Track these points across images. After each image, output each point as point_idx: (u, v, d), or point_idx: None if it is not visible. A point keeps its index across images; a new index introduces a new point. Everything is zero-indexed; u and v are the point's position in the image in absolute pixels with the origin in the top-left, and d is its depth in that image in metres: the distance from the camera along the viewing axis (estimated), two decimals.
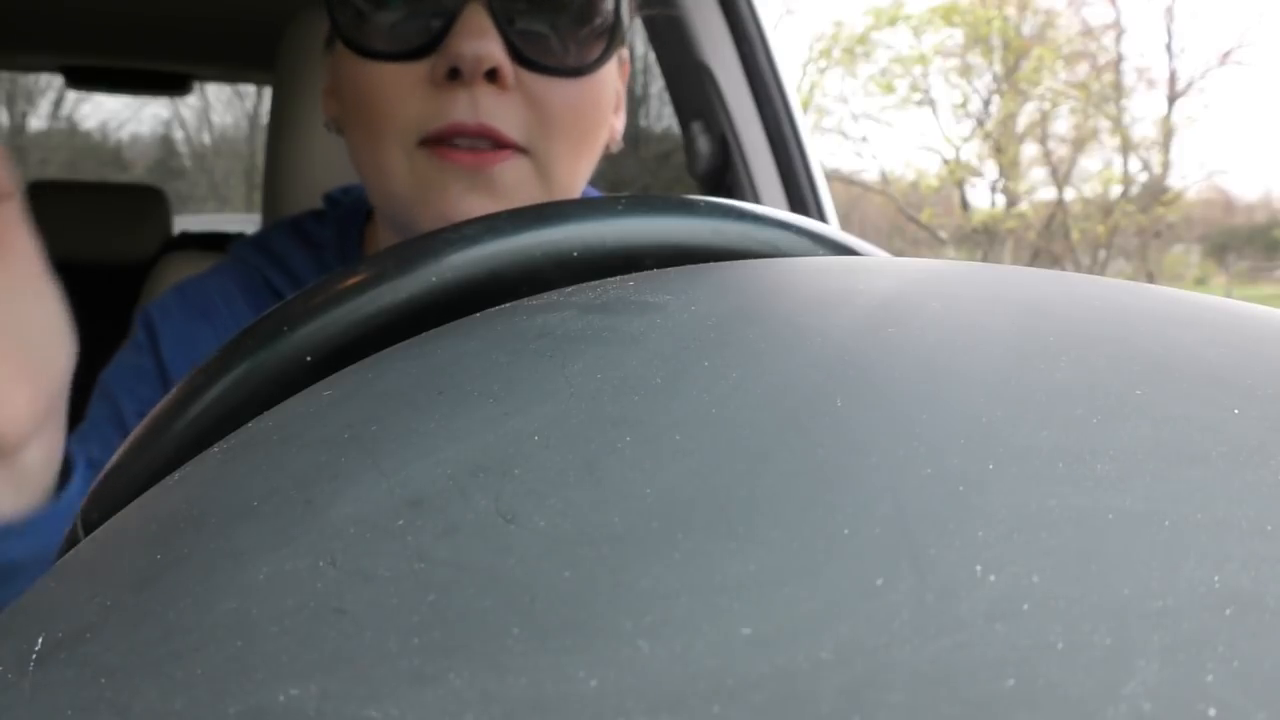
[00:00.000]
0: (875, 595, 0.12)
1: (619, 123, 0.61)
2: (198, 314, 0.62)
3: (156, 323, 0.62)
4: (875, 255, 0.31)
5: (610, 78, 0.56)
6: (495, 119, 0.51)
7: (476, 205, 0.52)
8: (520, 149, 0.52)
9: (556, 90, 0.53)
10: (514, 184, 0.53)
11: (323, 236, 0.64)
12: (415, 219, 0.53)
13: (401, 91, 0.51)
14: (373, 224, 0.65)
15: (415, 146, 0.52)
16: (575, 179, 0.56)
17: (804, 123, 1.11)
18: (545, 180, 0.54)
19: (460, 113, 0.50)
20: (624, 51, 0.60)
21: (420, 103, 0.51)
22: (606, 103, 0.56)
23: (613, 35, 0.54)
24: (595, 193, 0.68)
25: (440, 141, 0.51)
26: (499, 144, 0.51)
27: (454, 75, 0.50)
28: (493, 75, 0.50)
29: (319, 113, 0.86)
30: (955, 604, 0.12)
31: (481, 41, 0.50)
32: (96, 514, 0.25)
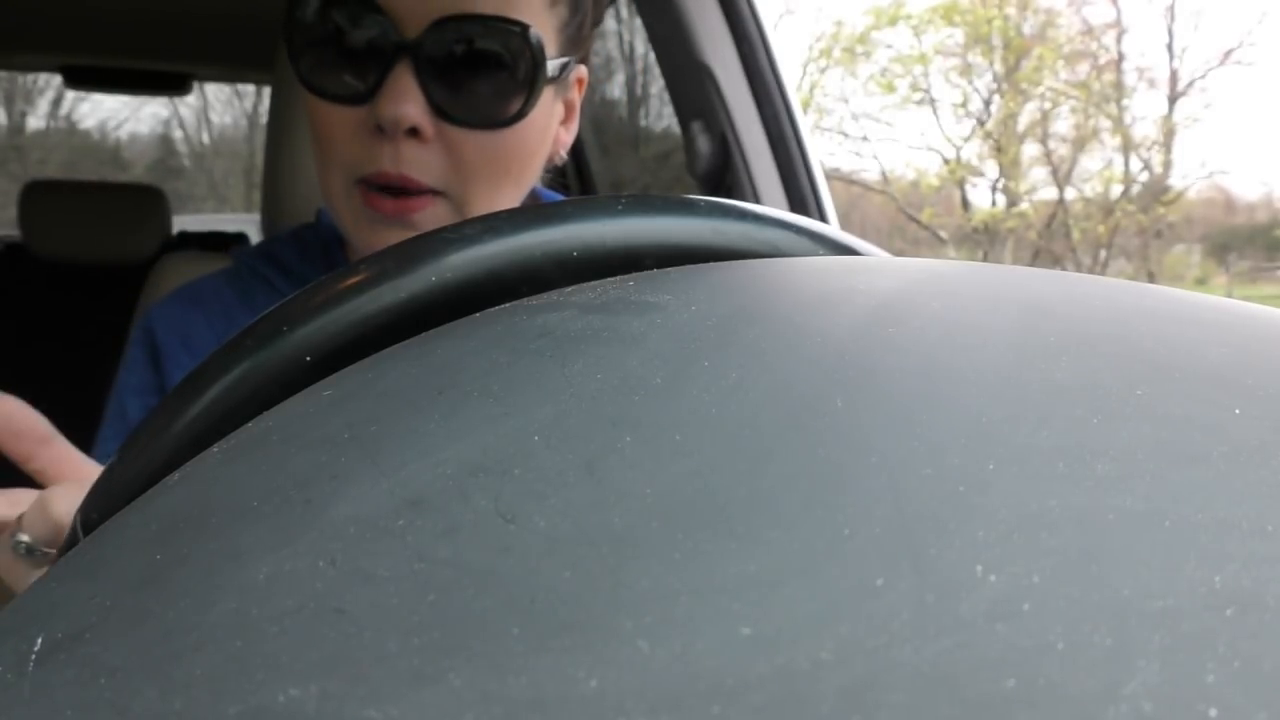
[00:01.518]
0: (875, 595, 0.12)
1: (567, 134, 0.67)
2: (190, 304, 0.69)
3: (153, 316, 0.68)
4: (875, 255, 0.31)
5: (536, 122, 0.61)
6: (414, 169, 0.57)
7: (396, 240, 0.57)
8: (437, 192, 0.59)
9: (474, 141, 0.58)
10: (432, 223, 0.59)
11: (310, 237, 0.71)
12: (351, 241, 0.62)
13: (343, 132, 0.58)
14: None
15: (353, 184, 0.59)
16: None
17: (804, 123, 1.11)
18: (461, 218, 0.60)
19: (384, 163, 0.57)
20: (581, 69, 0.66)
21: (357, 146, 0.58)
22: (531, 145, 0.62)
23: (531, 90, 0.59)
24: (552, 195, 0.73)
25: (369, 185, 0.58)
26: (416, 190, 0.58)
27: (380, 130, 0.57)
28: (413, 131, 0.57)
29: None
30: (955, 604, 0.12)
31: (402, 105, 0.56)
32: (96, 514, 0.25)
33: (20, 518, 0.40)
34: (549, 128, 0.64)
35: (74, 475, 0.42)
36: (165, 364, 0.66)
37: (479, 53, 0.57)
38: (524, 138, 0.61)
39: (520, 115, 0.59)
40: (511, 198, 0.63)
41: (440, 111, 0.57)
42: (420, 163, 0.57)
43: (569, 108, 0.66)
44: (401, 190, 0.57)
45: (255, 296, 0.68)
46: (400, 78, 0.56)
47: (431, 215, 0.59)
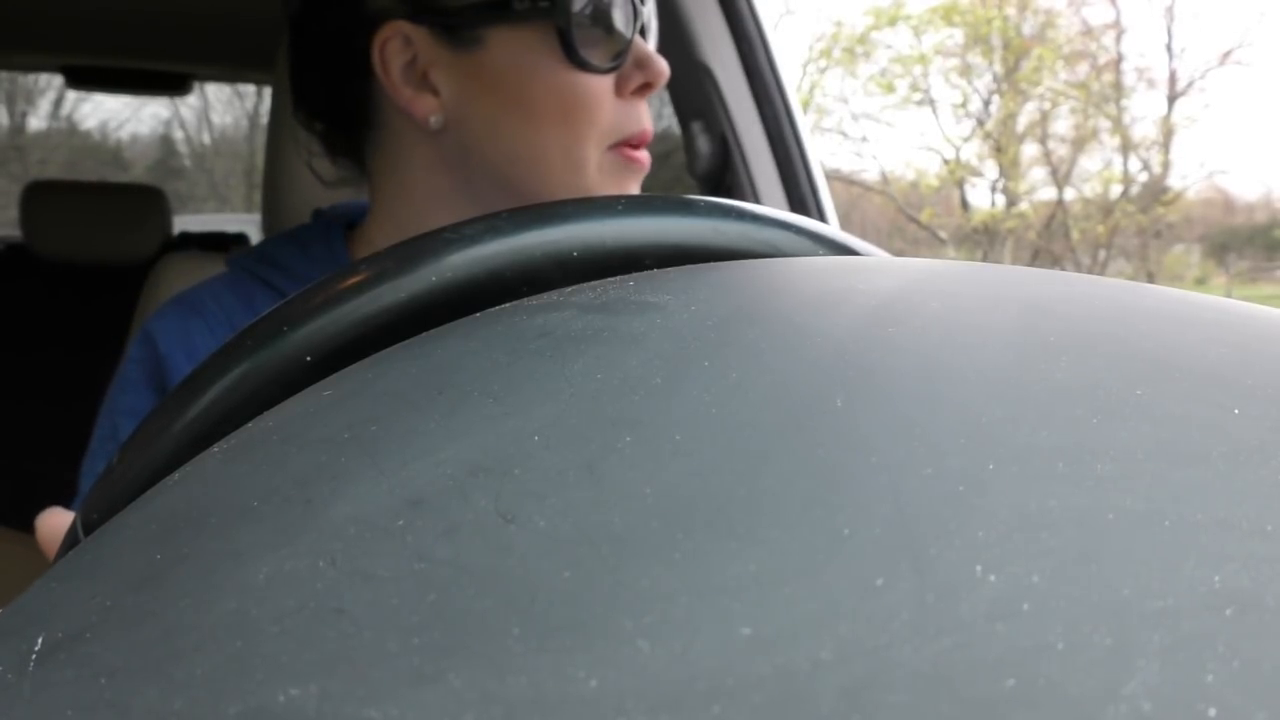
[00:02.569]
0: (875, 595, 0.12)
1: None
2: (190, 312, 0.67)
3: (153, 328, 0.67)
4: (875, 255, 0.31)
5: None
6: None
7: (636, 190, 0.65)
8: None
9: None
10: None
11: (309, 236, 0.70)
12: None
13: (604, 100, 0.61)
14: (356, 229, 0.70)
15: (605, 151, 0.62)
16: None
17: (804, 123, 1.11)
18: None
19: (646, 121, 0.63)
20: None
21: (613, 111, 0.62)
22: None
23: None
24: None
25: (627, 144, 0.63)
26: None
27: (644, 88, 0.62)
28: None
29: None
30: (955, 604, 0.12)
31: (661, 61, 0.62)
32: (96, 514, 0.25)
33: None
34: None
35: None
36: (169, 376, 0.65)
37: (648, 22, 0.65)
38: None
39: None
40: None
41: None
42: None
43: None
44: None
45: (256, 300, 0.66)
46: (639, 42, 0.62)
47: None
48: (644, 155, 0.63)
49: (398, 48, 0.61)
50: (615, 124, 0.61)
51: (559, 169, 0.62)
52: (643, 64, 0.61)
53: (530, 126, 0.61)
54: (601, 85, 0.60)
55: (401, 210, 0.66)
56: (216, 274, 0.71)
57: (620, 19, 0.61)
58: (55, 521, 0.41)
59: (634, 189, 0.64)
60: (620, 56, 0.61)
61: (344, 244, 0.69)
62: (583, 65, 0.60)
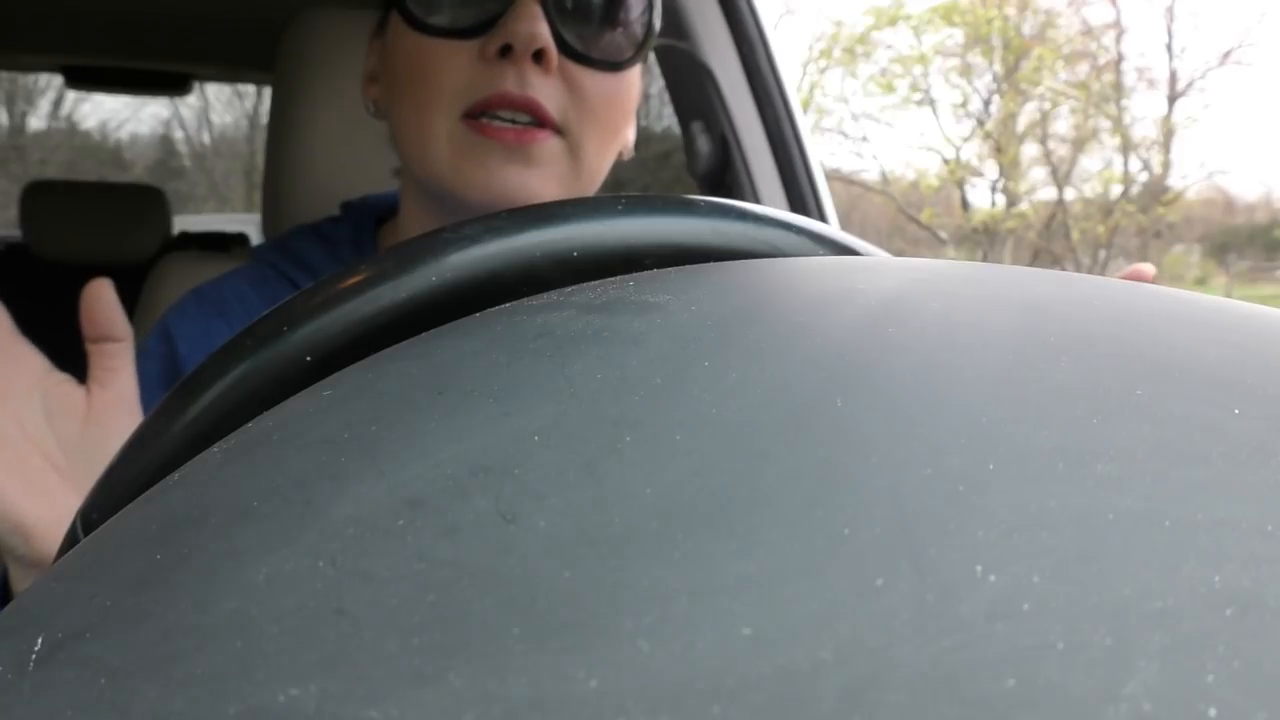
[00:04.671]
0: (875, 595, 0.12)
1: (630, 134, 0.66)
2: (213, 312, 0.66)
3: (172, 325, 0.66)
4: (875, 255, 0.31)
5: (637, 80, 0.62)
6: (540, 95, 0.56)
7: (513, 176, 0.57)
8: (556, 129, 0.57)
9: (593, 80, 0.58)
10: (549, 160, 0.58)
11: (338, 234, 0.68)
12: (454, 189, 0.58)
13: (454, 65, 0.57)
14: (387, 225, 0.68)
15: (458, 120, 0.57)
16: (602, 164, 0.61)
17: (804, 123, 1.11)
18: (576, 160, 0.59)
19: (509, 84, 0.56)
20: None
21: (470, 75, 0.56)
22: (633, 100, 0.62)
23: (645, 39, 0.61)
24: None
25: (483, 115, 0.56)
26: (539, 119, 0.56)
27: (505, 52, 0.56)
28: (539, 57, 0.56)
29: (319, 112, 0.86)
30: (955, 604, 0.12)
31: (534, 24, 0.55)
32: (96, 514, 0.25)
33: None
34: (637, 99, 0.63)
35: (115, 402, 0.45)
36: None
37: None
38: (629, 90, 0.61)
39: (633, 60, 0.60)
40: (613, 152, 0.62)
41: (564, 45, 0.57)
42: (545, 91, 0.56)
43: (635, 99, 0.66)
44: (524, 119, 0.56)
45: (280, 299, 0.66)
46: (527, 5, 0.56)
47: (550, 151, 0.57)
48: (502, 129, 0.56)
49: (374, 46, 0.64)
50: (467, 88, 0.56)
51: (413, 141, 0.59)
52: (508, 26, 0.55)
53: (394, 97, 0.60)
54: (448, 49, 0.56)
55: (407, 204, 0.65)
56: (240, 266, 0.70)
57: None
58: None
59: (497, 169, 0.56)
60: (489, 23, 0.56)
61: (373, 239, 0.68)
62: (420, 27, 0.57)
